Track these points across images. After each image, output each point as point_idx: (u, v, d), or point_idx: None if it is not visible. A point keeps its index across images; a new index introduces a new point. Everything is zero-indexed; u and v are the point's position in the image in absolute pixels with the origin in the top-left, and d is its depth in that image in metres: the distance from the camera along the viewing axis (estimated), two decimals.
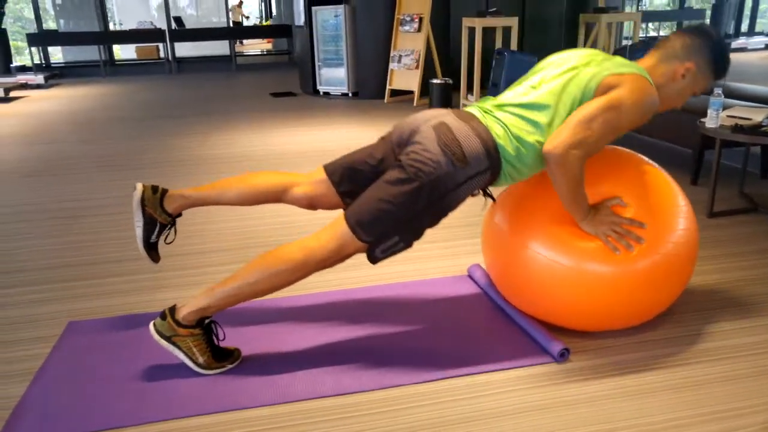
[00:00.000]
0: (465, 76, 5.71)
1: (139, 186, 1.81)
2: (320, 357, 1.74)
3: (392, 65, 6.46)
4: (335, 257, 1.57)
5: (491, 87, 5.16)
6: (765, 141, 2.64)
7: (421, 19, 6.11)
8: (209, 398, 1.56)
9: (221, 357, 1.67)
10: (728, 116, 2.89)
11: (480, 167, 1.59)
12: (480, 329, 1.87)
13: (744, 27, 11.28)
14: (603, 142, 1.57)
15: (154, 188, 1.82)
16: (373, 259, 1.62)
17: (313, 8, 6.80)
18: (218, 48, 12.37)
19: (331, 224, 1.61)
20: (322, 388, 1.59)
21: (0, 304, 2.13)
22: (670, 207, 1.71)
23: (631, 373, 1.64)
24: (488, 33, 5.32)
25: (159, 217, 1.81)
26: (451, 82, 5.99)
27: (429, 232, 2.69)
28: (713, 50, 1.67)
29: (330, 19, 6.74)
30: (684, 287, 1.79)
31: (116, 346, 1.82)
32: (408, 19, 6.25)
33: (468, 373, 1.65)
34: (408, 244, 1.62)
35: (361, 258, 2.37)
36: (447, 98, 5.98)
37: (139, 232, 1.80)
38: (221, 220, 2.93)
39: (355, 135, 4.90)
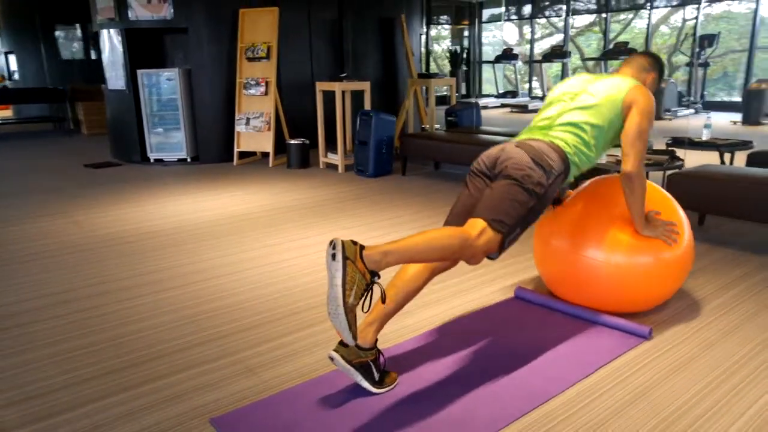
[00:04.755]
0: (323, 135, 6.08)
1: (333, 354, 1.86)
2: (449, 396, 1.91)
3: (239, 128, 6.45)
4: (477, 246, 1.87)
5: (358, 144, 5.63)
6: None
7: (267, 83, 6.30)
8: None
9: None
10: None
11: (560, 170, 2.09)
12: (561, 337, 2.26)
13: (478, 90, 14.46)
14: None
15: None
16: (501, 249, 1.96)
17: (139, 71, 6.41)
18: None
19: (468, 225, 1.92)
20: (495, 418, 1.80)
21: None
22: (675, 214, 2.39)
23: (697, 332, 2.24)
24: (331, 95, 5.85)
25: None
26: (308, 142, 6.27)
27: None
28: (660, 66, 2.46)
29: (161, 82, 6.43)
30: (689, 272, 2.48)
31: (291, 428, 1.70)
32: (253, 82, 6.37)
33: (595, 369, 2.02)
34: (522, 233, 2.03)
35: (413, 305, 2.55)
36: (305, 157, 6.23)
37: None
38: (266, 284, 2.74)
39: (244, 197, 4.82)
